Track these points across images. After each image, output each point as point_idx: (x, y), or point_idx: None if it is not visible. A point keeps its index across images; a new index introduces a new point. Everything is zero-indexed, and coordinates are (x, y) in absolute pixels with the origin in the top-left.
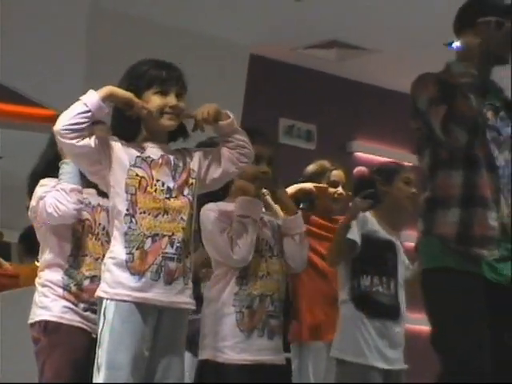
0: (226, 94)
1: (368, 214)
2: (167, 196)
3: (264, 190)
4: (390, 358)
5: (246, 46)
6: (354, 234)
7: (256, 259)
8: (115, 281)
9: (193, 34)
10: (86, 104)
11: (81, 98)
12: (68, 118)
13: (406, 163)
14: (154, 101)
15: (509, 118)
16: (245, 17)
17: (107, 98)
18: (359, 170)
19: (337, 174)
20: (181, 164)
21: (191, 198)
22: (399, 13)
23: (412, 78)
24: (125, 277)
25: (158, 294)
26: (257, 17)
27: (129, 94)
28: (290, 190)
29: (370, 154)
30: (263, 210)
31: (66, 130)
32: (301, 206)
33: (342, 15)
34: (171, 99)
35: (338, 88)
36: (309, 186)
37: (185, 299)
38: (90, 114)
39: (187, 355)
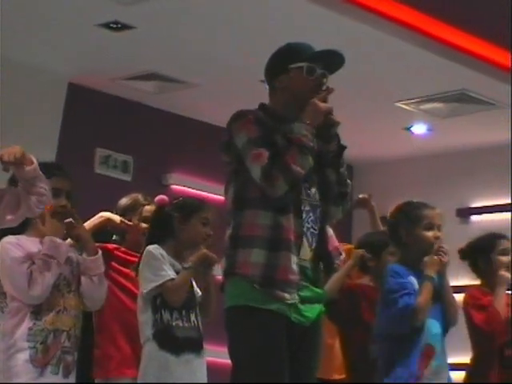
0: (43, 123)
1: (161, 250)
2: None
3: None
4: None
5: (64, 75)
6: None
7: (53, 294)
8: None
9: (11, 62)
10: None
11: None
12: None
13: (218, 197)
14: None
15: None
16: (64, 46)
17: None
18: (161, 198)
19: (149, 209)
20: None
21: None
22: (217, 47)
23: (229, 113)
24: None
25: None
26: (76, 46)
27: None
28: (98, 217)
29: (185, 187)
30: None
31: None
32: (113, 237)
33: (161, 48)
34: None
35: (156, 120)
36: (117, 219)
37: None
38: None
39: None
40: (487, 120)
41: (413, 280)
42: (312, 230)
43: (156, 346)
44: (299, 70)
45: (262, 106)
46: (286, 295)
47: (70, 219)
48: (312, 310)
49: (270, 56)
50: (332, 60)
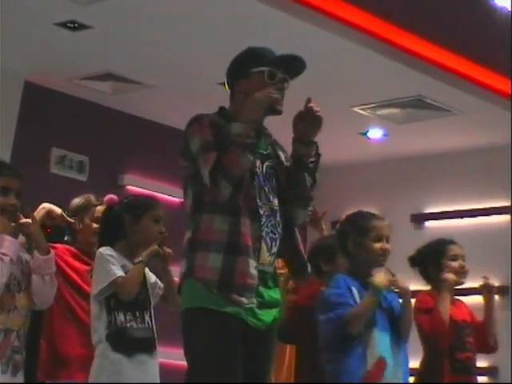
0: None
1: (112, 251)
2: None
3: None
4: None
5: (20, 74)
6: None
7: (4, 294)
8: None
9: None
10: None
11: None
12: None
13: (173, 198)
14: None
15: (274, 166)
16: (21, 45)
17: None
18: (109, 198)
19: (101, 209)
20: None
21: None
22: (174, 49)
23: (184, 115)
24: None
25: None
26: (33, 45)
27: None
28: (40, 208)
29: (141, 187)
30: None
31: None
32: (65, 238)
33: (118, 48)
34: None
35: (112, 120)
36: (58, 210)
37: None
38: None
39: None
40: (443, 126)
41: (355, 291)
42: (271, 234)
43: (109, 347)
44: (260, 75)
45: (221, 110)
46: (244, 299)
47: (28, 219)
48: (268, 315)
49: (232, 60)
50: (293, 65)
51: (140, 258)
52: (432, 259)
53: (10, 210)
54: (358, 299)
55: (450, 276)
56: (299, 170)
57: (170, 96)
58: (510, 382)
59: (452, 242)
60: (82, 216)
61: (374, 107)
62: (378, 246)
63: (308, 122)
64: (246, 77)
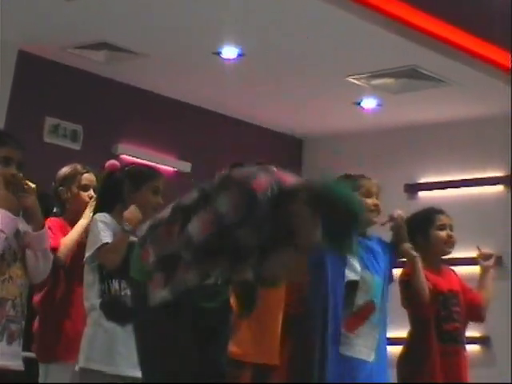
0: None
1: (107, 217)
2: None
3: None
4: None
5: (14, 43)
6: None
7: None
8: None
9: None
10: None
11: None
12: None
13: (168, 168)
14: None
15: None
16: (14, 14)
17: None
18: (112, 163)
19: (87, 177)
20: None
21: None
22: (168, 18)
23: (177, 84)
24: None
25: None
26: (27, 14)
27: None
28: None
29: (135, 157)
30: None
31: None
32: (54, 210)
33: (111, 17)
34: None
35: (106, 90)
36: None
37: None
38: None
39: None
40: (437, 97)
41: None
42: None
43: (102, 315)
44: None
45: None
46: None
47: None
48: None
49: None
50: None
51: (126, 228)
52: (420, 229)
53: (10, 180)
54: None
55: (406, 248)
56: None
57: (163, 65)
58: (502, 351)
59: (440, 212)
60: (70, 185)
61: (368, 77)
62: (369, 201)
63: None
64: None
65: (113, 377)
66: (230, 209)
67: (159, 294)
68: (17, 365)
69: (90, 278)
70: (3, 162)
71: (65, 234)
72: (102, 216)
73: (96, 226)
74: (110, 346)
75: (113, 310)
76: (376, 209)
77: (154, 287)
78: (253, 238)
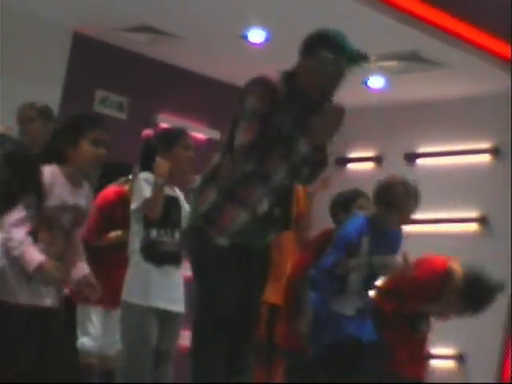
0: (50, 68)
1: (149, 176)
2: None
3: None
4: (172, 298)
5: (69, 25)
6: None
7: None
8: None
9: (15, 11)
10: None
11: None
12: None
13: (200, 135)
14: None
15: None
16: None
17: None
18: (146, 132)
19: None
20: None
21: None
22: (202, 3)
23: (208, 63)
24: None
25: None
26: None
27: None
28: None
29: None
30: None
31: None
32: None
33: (154, 2)
34: None
35: (148, 67)
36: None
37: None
38: None
39: None
40: (435, 78)
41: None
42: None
43: (141, 257)
44: (326, 58)
45: (289, 78)
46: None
47: None
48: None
49: (307, 36)
50: (356, 56)
51: (158, 182)
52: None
53: (99, 160)
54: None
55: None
56: None
57: (197, 47)
58: (476, 367)
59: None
60: None
61: (374, 60)
62: None
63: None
64: (313, 55)
65: (148, 310)
66: (256, 101)
67: (218, 238)
68: (52, 303)
69: (135, 227)
70: (94, 143)
71: None
72: (144, 174)
73: (140, 184)
74: (147, 283)
75: (151, 253)
76: None
77: (212, 232)
78: (289, 120)
